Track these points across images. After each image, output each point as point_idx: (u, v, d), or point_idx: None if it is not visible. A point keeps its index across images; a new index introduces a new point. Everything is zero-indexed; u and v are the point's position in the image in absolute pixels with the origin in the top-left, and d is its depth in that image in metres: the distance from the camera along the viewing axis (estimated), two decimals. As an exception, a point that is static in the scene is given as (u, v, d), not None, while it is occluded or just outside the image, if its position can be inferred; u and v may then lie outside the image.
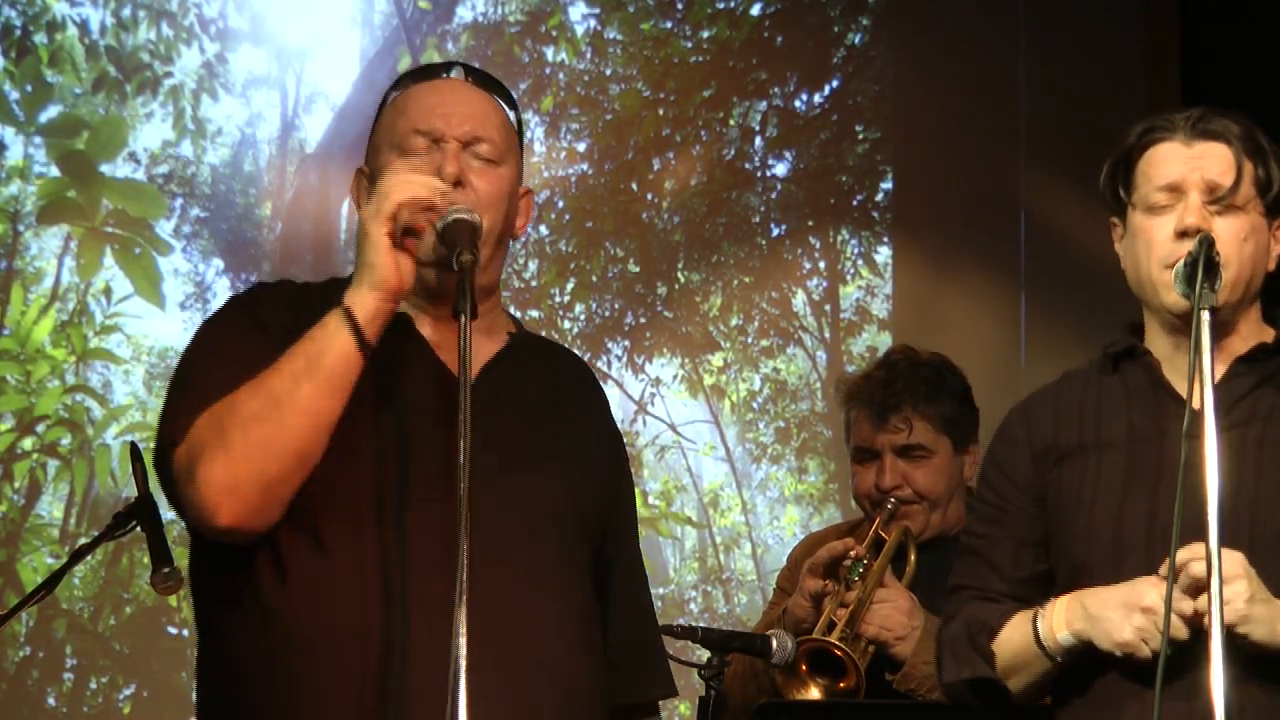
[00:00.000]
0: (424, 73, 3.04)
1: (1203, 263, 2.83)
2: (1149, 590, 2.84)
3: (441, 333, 2.93)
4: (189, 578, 2.99)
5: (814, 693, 3.82)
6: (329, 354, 2.72)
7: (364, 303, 2.75)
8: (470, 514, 2.54)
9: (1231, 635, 2.77)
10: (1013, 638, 3.02)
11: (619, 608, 3.08)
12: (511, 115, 3.03)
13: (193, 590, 2.98)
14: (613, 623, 3.05)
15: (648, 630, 3.18)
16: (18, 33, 6.17)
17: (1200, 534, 2.72)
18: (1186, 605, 2.80)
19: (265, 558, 2.82)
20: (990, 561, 3.10)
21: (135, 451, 3.56)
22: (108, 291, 6.19)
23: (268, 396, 2.72)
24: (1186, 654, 2.79)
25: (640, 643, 3.14)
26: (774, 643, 3.77)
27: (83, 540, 4.71)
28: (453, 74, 3.02)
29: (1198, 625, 2.79)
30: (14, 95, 6.15)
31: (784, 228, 6.63)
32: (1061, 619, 2.94)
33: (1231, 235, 2.96)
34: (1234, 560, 2.81)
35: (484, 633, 2.67)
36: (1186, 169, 2.98)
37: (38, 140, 6.19)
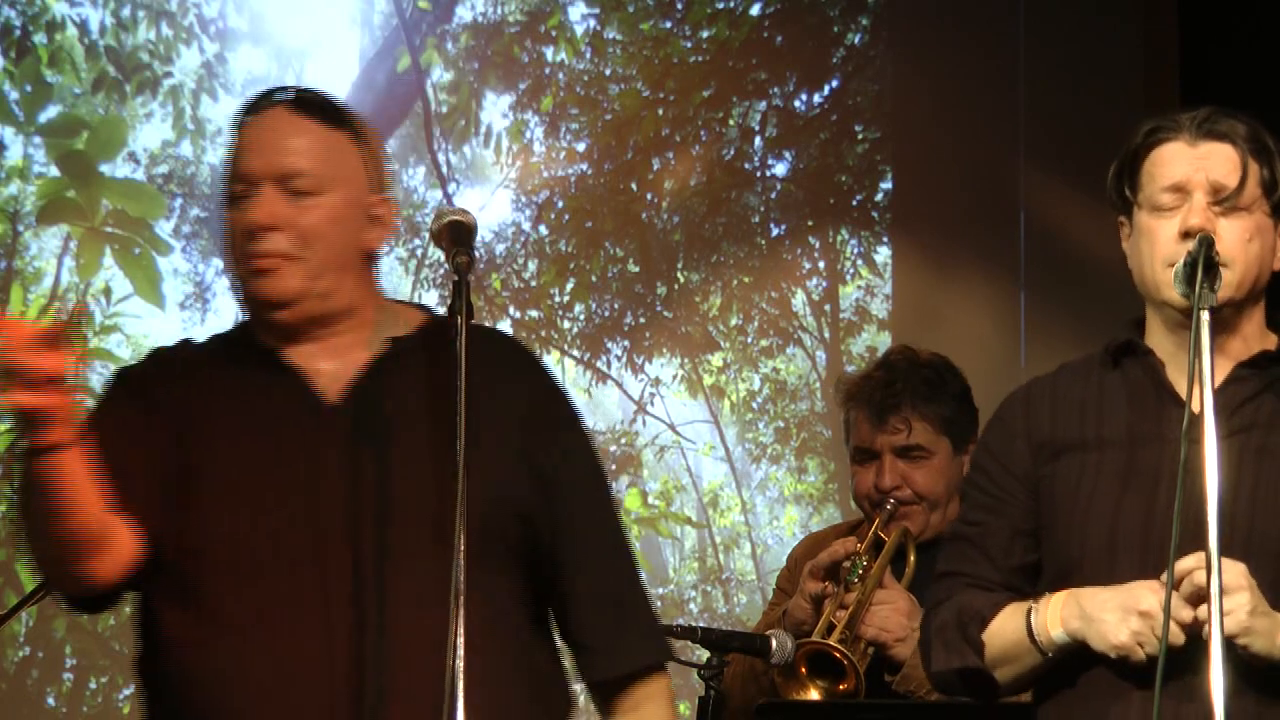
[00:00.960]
0: (251, 105, 2.94)
1: (1202, 263, 2.83)
2: (1147, 594, 2.83)
3: (314, 355, 2.89)
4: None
5: (813, 695, 3.82)
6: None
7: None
8: (359, 537, 2.54)
9: (1232, 646, 2.77)
10: (1005, 630, 3.00)
11: (575, 588, 2.94)
12: (344, 132, 2.90)
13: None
14: (571, 605, 2.95)
15: (616, 603, 2.99)
16: (18, 33, 6.16)
17: (1198, 539, 2.72)
18: (1186, 613, 2.80)
19: (156, 619, 2.84)
20: (983, 549, 3.07)
21: (135, 452, 3.56)
22: (107, 291, 6.18)
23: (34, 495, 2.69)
24: (1180, 660, 2.79)
25: (606, 619, 2.97)
26: (773, 642, 3.77)
27: (82, 540, 4.71)
28: (277, 99, 2.91)
29: (1195, 633, 2.79)
30: (14, 95, 6.15)
31: (783, 228, 6.63)
32: (1057, 616, 2.93)
33: (1236, 236, 2.95)
34: (1237, 571, 2.81)
35: (388, 662, 2.71)
36: (1191, 169, 2.97)
37: (37, 140, 6.19)
